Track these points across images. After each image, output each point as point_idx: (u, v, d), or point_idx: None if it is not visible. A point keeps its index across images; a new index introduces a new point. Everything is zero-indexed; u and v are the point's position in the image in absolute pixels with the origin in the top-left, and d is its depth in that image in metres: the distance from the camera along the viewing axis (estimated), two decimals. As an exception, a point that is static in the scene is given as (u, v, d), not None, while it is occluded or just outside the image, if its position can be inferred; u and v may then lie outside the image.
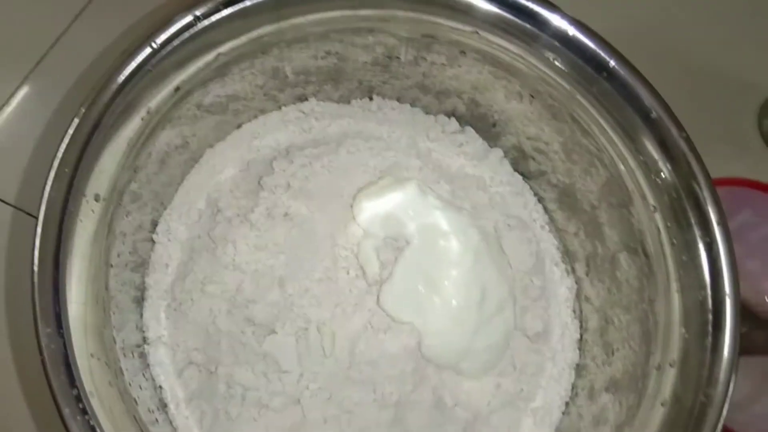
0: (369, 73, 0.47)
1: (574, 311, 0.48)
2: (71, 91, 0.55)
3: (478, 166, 0.49)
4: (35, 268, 0.33)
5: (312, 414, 0.41)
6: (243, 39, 0.40)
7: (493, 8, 0.39)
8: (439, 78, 0.46)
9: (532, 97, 0.43)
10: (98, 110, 0.35)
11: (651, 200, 0.39)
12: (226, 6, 0.38)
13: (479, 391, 0.44)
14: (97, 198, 0.36)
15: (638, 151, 0.38)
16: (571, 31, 0.38)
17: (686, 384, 0.36)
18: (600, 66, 0.38)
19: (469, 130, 0.49)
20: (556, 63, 0.39)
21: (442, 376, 0.43)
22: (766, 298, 0.51)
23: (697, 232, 0.36)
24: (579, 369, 0.46)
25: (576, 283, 0.48)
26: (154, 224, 0.46)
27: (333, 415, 0.41)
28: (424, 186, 0.44)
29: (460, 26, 0.40)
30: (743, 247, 0.42)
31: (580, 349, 0.47)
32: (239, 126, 0.49)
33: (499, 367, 0.44)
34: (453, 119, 0.50)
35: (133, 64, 0.36)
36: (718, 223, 0.36)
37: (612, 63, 0.38)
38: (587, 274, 0.47)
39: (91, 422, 0.32)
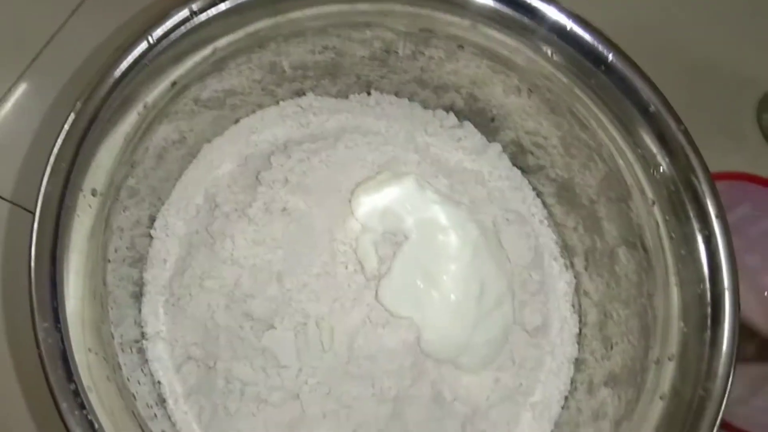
0: (367, 67, 0.47)
1: (572, 306, 0.48)
2: (68, 86, 0.54)
3: (476, 161, 0.49)
4: (32, 264, 0.33)
5: (311, 409, 0.41)
6: (240, 33, 0.40)
7: (490, 2, 0.39)
8: (437, 72, 0.46)
9: (531, 91, 0.43)
10: (95, 105, 0.35)
11: (650, 194, 0.39)
12: (222, 0, 0.37)
13: (478, 385, 0.44)
14: (94, 193, 0.36)
15: (637, 144, 0.38)
16: (569, 24, 0.38)
17: (685, 378, 0.36)
18: (598, 59, 0.38)
19: (468, 124, 0.49)
20: (554, 57, 0.39)
21: (441, 371, 0.43)
22: (765, 294, 0.51)
23: (696, 225, 0.36)
24: (578, 363, 0.46)
25: (575, 277, 0.48)
26: (152, 219, 0.46)
27: (332, 410, 0.41)
28: (422, 180, 0.44)
29: (457, 20, 0.40)
30: (742, 241, 0.42)
31: (578, 343, 0.47)
32: (237, 121, 0.48)
33: (498, 362, 0.44)
34: (451, 114, 0.49)
35: (130, 59, 0.36)
36: (717, 216, 0.36)
37: (610, 56, 0.38)
38: (586, 269, 0.47)
39: (89, 417, 0.32)
